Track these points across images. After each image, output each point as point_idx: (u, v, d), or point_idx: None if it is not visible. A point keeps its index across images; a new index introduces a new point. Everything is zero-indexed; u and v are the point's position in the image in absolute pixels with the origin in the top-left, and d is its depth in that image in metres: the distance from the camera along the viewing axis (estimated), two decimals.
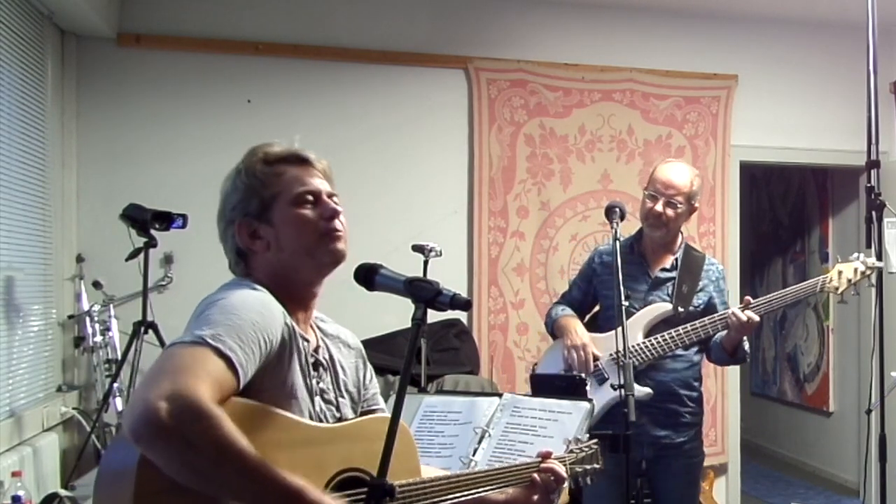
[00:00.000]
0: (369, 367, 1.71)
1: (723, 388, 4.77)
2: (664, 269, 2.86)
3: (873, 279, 2.75)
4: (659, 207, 2.76)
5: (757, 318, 2.67)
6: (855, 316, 5.44)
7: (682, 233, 2.91)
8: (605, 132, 4.64)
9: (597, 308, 3.01)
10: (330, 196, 1.54)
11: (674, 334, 2.74)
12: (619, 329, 2.48)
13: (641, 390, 2.66)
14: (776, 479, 6.04)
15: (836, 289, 2.74)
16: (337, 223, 1.52)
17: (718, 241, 4.75)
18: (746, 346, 2.80)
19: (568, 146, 4.59)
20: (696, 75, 4.76)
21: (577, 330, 2.85)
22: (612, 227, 2.68)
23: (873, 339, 2.95)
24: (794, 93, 4.92)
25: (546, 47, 4.59)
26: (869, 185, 2.75)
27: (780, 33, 4.89)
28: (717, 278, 2.89)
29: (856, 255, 2.76)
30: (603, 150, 4.63)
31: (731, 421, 4.81)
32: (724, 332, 2.76)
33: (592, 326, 2.94)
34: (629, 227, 2.96)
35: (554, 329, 2.96)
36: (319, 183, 1.54)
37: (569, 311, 2.96)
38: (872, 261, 2.73)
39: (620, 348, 2.68)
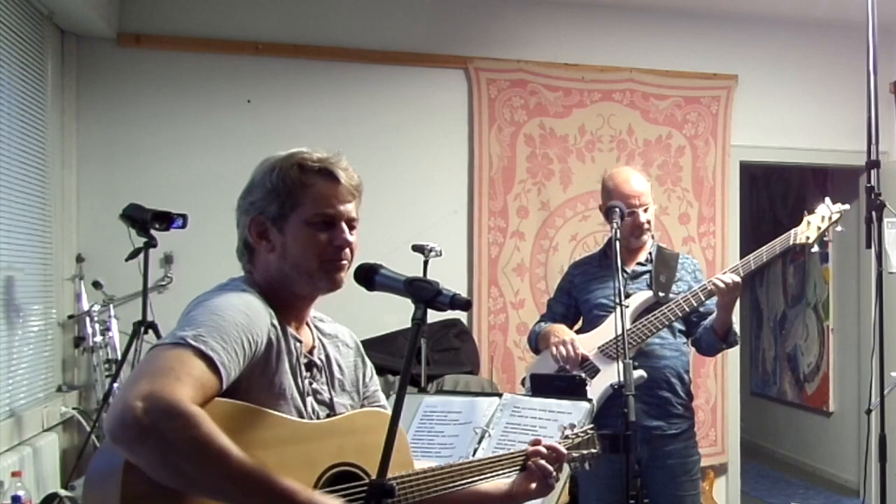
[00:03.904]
0: (369, 364, 1.71)
1: (723, 388, 4.77)
2: (639, 264, 2.93)
3: (839, 227, 2.81)
4: (643, 218, 2.86)
5: (738, 279, 2.71)
6: (855, 316, 5.44)
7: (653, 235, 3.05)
8: (605, 132, 4.64)
9: (579, 324, 3.02)
10: (350, 222, 1.53)
11: (664, 310, 2.77)
12: (617, 322, 2.50)
13: (635, 373, 2.68)
14: (776, 479, 6.04)
15: (808, 238, 2.81)
16: (344, 253, 1.51)
17: (718, 241, 4.76)
18: (737, 327, 2.85)
19: (568, 146, 4.59)
20: (696, 75, 4.76)
21: (562, 329, 2.89)
22: (612, 228, 2.69)
23: (873, 339, 2.95)
24: (794, 93, 4.92)
25: (546, 47, 4.59)
26: (869, 185, 2.75)
27: (780, 33, 4.89)
28: (693, 270, 2.96)
29: (822, 205, 2.82)
30: (603, 150, 4.63)
31: (731, 421, 4.80)
32: (713, 316, 2.79)
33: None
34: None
35: (538, 341, 2.97)
36: (343, 207, 1.51)
37: (552, 323, 2.99)
38: (838, 206, 2.81)
39: (606, 342, 2.78)
